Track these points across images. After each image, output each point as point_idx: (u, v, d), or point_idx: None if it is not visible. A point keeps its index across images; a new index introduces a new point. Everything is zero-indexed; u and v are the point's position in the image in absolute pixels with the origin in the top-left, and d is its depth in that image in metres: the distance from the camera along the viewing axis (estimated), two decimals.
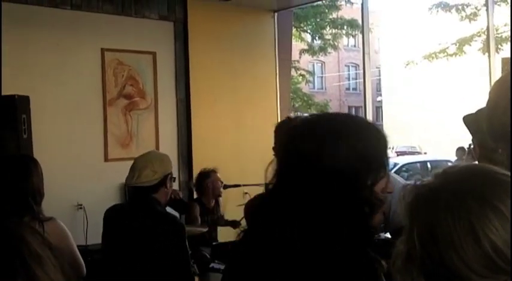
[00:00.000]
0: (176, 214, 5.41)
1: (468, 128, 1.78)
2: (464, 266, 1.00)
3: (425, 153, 23.90)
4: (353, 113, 36.98)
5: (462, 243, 0.99)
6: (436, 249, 1.02)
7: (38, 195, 2.90)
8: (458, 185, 1.06)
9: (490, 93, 1.75)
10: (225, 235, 5.24)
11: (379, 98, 32.54)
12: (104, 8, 5.77)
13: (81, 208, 5.33)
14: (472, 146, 1.78)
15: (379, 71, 32.06)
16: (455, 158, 11.40)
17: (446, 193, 1.05)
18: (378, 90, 33.24)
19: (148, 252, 3.03)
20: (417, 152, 25.79)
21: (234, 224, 5.20)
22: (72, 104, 5.58)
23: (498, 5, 13.10)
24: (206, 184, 5.38)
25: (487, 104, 1.74)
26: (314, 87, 34.31)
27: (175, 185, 5.91)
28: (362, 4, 7.05)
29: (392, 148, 28.31)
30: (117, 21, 5.88)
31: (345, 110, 38.01)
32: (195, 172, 5.86)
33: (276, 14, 7.17)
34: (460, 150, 10.43)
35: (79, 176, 5.51)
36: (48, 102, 5.36)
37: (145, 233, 3.09)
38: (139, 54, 6.01)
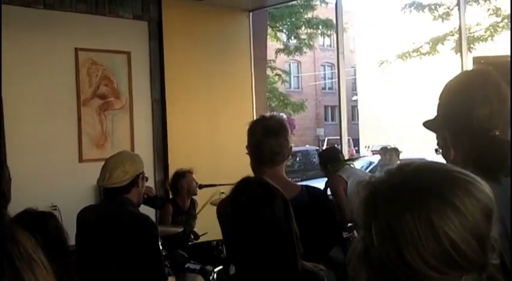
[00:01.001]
0: (152, 211, 5.40)
1: (432, 130, 1.83)
2: (423, 263, 1.01)
3: (401, 152, 24.07)
4: (329, 112, 37.00)
5: (422, 240, 1.01)
6: (395, 246, 1.03)
7: (3, 199, 2.85)
8: (418, 183, 1.07)
9: (442, 95, 1.80)
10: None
11: (354, 98, 32.75)
12: (78, 7, 5.72)
13: (55, 209, 5.26)
14: (439, 151, 1.82)
15: (355, 70, 32.28)
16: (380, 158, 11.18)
17: (407, 190, 1.06)
18: (353, 90, 33.46)
19: (121, 253, 3.02)
20: None
21: (195, 235, 5.20)
22: (45, 104, 5.53)
23: (470, 4, 13.28)
24: (181, 184, 5.38)
25: (443, 104, 1.77)
26: (290, 87, 34.40)
27: (151, 185, 5.91)
28: (336, 4, 7.09)
29: (368, 147, 28.54)
30: (91, 20, 5.83)
31: (321, 110, 38.22)
32: (171, 171, 5.84)
33: (251, 13, 7.18)
34: (382, 150, 10.48)
35: (53, 177, 5.46)
36: (22, 102, 5.31)
37: (117, 234, 3.07)
38: (114, 54, 5.97)
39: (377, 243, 1.06)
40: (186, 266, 4.29)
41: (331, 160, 5.83)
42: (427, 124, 1.82)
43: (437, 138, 1.85)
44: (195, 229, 5.32)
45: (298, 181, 15.82)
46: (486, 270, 1.04)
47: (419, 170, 1.11)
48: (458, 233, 1.01)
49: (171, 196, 5.61)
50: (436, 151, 1.81)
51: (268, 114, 3.23)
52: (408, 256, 1.02)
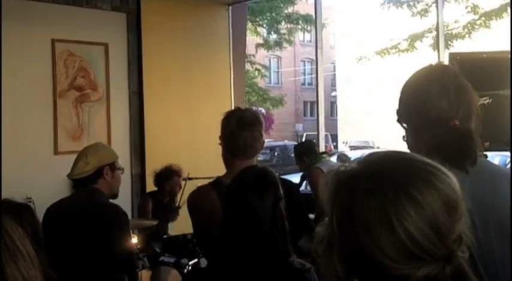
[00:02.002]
0: (127, 202, 5.37)
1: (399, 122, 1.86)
2: (379, 252, 1.01)
3: (378, 147, 24.29)
4: (308, 107, 37.14)
5: (377, 229, 1.00)
6: (353, 234, 1.03)
7: None
8: (376, 171, 1.06)
9: (403, 89, 1.83)
10: (177, 229, 5.24)
11: (333, 93, 32.90)
12: None
13: (30, 202, 5.21)
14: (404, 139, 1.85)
15: (334, 66, 32.41)
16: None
17: (364, 178, 1.05)
18: (332, 86, 33.61)
19: (90, 242, 2.99)
20: (370, 146, 26.20)
21: (176, 209, 5.20)
22: (21, 96, 5.46)
23: (448, 1, 13.38)
24: (164, 185, 5.38)
25: (403, 97, 1.81)
26: (270, 82, 34.46)
27: (127, 178, 5.88)
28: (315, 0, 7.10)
29: (346, 143, 28.72)
30: (68, 11, 5.77)
31: (300, 105, 38.31)
32: (148, 164, 5.82)
33: (230, 7, 7.16)
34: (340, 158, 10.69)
35: (28, 169, 5.41)
36: None
37: (87, 223, 3.05)
38: (91, 46, 5.92)
39: (338, 232, 1.06)
40: (161, 259, 4.28)
41: (307, 153, 5.87)
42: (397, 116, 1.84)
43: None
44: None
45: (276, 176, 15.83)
46: (451, 262, 1.03)
47: (381, 158, 1.11)
48: (413, 223, 1.00)
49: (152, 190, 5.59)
50: (403, 137, 1.83)
51: (243, 106, 3.24)
52: (365, 245, 1.01)
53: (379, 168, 1.07)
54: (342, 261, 1.06)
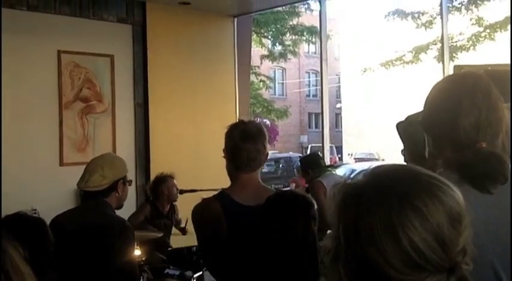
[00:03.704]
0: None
1: (399, 135, 1.78)
2: (385, 263, 1.02)
3: (383, 159, 24.26)
4: (313, 119, 37.00)
5: (382, 240, 1.02)
6: (358, 245, 1.04)
7: None
8: (381, 183, 1.08)
9: (428, 98, 1.73)
10: (177, 240, 5.23)
11: (338, 105, 32.88)
12: (61, 9, 5.69)
13: (35, 213, 5.22)
14: (403, 152, 1.78)
15: (339, 78, 32.42)
16: None
17: (369, 190, 1.07)
18: (337, 97, 33.60)
19: (96, 254, 2.99)
20: (375, 158, 26.16)
21: (183, 231, 5.20)
22: (27, 107, 5.49)
23: (452, 14, 13.39)
24: (161, 189, 5.33)
25: (428, 107, 1.72)
26: (275, 94, 34.46)
27: (132, 189, 5.87)
28: (320, 11, 7.11)
29: (351, 154, 28.67)
30: (75, 23, 5.81)
31: (305, 117, 38.30)
32: (152, 176, 5.80)
33: (235, 19, 7.19)
34: None
35: (34, 181, 5.41)
36: (3, 104, 5.25)
37: (93, 235, 3.04)
38: (97, 57, 5.94)
39: (344, 243, 1.07)
40: (166, 271, 4.26)
41: (312, 165, 5.85)
42: (400, 126, 1.77)
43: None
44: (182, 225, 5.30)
45: (281, 188, 15.82)
46: (455, 274, 1.04)
47: (387, 171, 1.13)
48: (418, 234, 1.01)
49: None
50: (402, 151, 1.78)
51: (246, 119, 3.23)
52: (371, 255, 1.03)
53: (384, 180, 1.09)
54: (348, 272, 1.07)
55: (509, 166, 1.58)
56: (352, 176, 1.14)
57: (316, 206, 2.36)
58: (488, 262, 1.49)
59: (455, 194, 1.08)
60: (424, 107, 1.73)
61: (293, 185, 13.22)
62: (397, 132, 1.78)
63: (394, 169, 1.13)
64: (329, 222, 1.13)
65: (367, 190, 1.07)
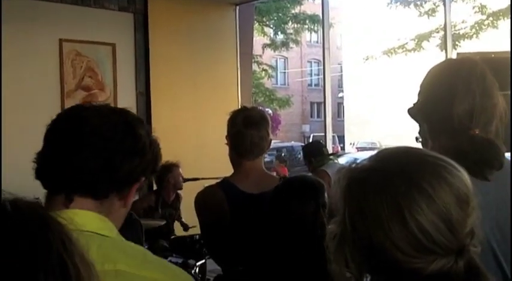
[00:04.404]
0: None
1: (415, 119, 1.75)
2: (392, 246, 1.01)
3: None
4: (315, 108, 36.94)
5: (389, 223, 1.01)
6: (365, 229, 1.04)
7: None
8: (387, 166, 1.07)
9: (423, 84, 1.72)
10: (181, 229, 5.25)
11: (340, 94, 32.81)
12: None
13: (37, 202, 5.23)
14: (420, 140, 1.75)
15: (341, 67, 32.33)
16: None
17: (376, 173, 1.07)
18: (339, 87, 33.52)
19: None
20: (377, 147, 26.03)
21: (185, 227, 5.20)
22: (29, 96, 5.47)
23: (455, 1, 13.34)
24: (167, 178, 5.34)
25: (423, 95, 1.71)
26: (277, 83, 34.43)
27: None
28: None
29: (353, 144, 28.65)
30: (76, 11, 5.78)
31: (307, 106, 38.26)
32: None
33: (237, 7, 7.15)
34: None
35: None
36: (5, 93, 5.24)
37: None
38: (99, 46, 5.92)
39: (350, 228, 1.06)
40: (169, 259, 4.27)
41: (314, 154, 5.84)
42: (412, 111, 1.74)
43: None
44: (183, 220, 5.31)
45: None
46: (463, 256, 1.03)
47: (392, 154, 1.12)
48: (425, 216, 1.01)
49: (155, 188, 5.57)
50: (417, 139, 1.75)
51: (249, 105, 3.19)
52: (378, 239, 1.02)
53: (390, 164, 1.08)
54: (355, 257, 1.07)
55: (503, 151, 1.58)
56: (357, 161, 1.14)
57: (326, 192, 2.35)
58: (489, 247, 1.49)
59: (462, 175, 1.07)
60: (418, 93, 1.72)
61: (274, 174, 13.13)
62: (412, 118, 1.74)
63: (399, 152, 1.13)
64: (334, 208, 1.12)
65: (373, 173, 1.07)
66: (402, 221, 1.01)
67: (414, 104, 1.72)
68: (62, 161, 1.30)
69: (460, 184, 1.05)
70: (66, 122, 1.39)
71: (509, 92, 2.08)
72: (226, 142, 2.69)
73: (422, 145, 1.70)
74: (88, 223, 1.23)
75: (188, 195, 5.33)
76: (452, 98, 1.60)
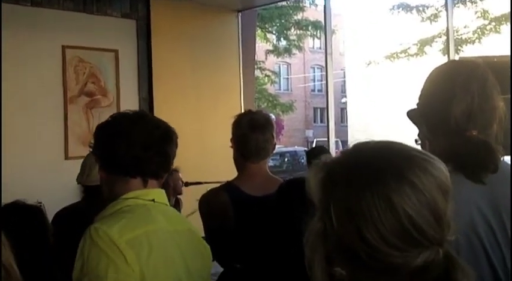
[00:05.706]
0: None
1: (413, 121, 1.75)
2: (382, 242, 1.02)
3: None
4: (318, 113, 36.96)
5: (381, 218, 1.01)
6: (355, 226, 1.03)
7: None
8: (377, 162, 1.08)
9: (424, 85, 1.71)
10: None
11: (343, 100, 32.82)
12: (65, 5, 5.70)
13: (40, 206, 5.23)
14: (419, 142, 1.74)
15: (344, 72, 32.34)
16: None
17: (365, 170, 1.06)
18: (342, 92, 33.53)
19: None
20: None
21: None
22: (32, 102, 5.50)
23: (457, 7, 13.33)
24: (167, 182, 5.34)
25: (424, 94, 1.70)
26: (280, 89, 34.46)
27: None
28: (325, 5, 7.09)
29: None
30: (79, 18, 5.81)
31: (310, 111, 38.27)
32: None
33: (240, 13, 7.18)
34: None
35: (39, 174, 5.43)
36: (8, 99, 5.26)
37: None
38: (101, 52, 5.95)
39: (336, 223, 1.06)
40: None
41: (317, 158, 5.84)
42: (410, 114, 1.74)
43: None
44: None
45: None
46: (443, 246, 1.06)
47: (376, 149, 1.12)
48: (416, 209, 1.02)
49: None
50: (416, 141, 1.74)
51: (254, 109, 3.19)
52: (368, 235, 1.02)
53: (378, 158, 1.08)
54: (340, 252, 1.07)
55: (499, 154, 1.57)
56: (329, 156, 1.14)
57: None
58: (482, 250, 1.49)
59: (443, 166, 1.09)
60: (419, 95, 1.72)
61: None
62: (410, 121, 1.73)
63: (382, 146, 1.13)
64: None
65: (362, 169, 1.07)
66: (394, 216, 1.01)
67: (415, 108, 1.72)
68: (139, 158, 1.99)
69: (442, 176, 1.07)
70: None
71: (509, 96, 2.08)
72: (230, 144, 2.70)
73: (421, 147, 1.69)
74: (159, 197, 2.02)
75: (188, 201, 5.34)
76: (451, 99, 1.59)
